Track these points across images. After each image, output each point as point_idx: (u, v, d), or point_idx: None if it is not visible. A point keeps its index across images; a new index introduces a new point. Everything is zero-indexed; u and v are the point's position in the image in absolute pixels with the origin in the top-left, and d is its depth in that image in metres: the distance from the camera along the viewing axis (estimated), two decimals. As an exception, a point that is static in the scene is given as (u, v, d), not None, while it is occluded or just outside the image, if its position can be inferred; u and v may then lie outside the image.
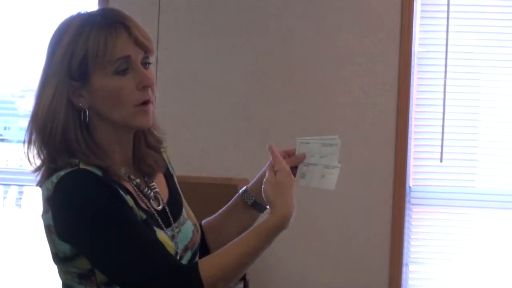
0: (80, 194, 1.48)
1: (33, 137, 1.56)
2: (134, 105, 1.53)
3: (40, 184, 1.55)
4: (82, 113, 1.54)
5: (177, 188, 1.78)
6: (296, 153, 1.73)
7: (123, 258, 1.47)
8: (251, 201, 1.76)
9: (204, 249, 1.79)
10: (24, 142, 1.57)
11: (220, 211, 1.83)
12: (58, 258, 1.55)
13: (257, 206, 1.77)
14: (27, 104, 3.85)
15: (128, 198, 1.53)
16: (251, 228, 1.56)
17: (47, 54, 1.57)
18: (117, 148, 1.59)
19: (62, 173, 1.49)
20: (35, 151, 1.56)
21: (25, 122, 1.59)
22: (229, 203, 1.81)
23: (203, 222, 1.84)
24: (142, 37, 1.53)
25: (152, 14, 3.74)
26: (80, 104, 1.54)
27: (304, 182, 1.71)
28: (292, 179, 1.60)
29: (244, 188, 1.79)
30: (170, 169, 1.80)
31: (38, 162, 1.56)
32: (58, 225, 1.50)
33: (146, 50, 1.55)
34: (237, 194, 1.80)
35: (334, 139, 1.70)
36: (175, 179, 1.80)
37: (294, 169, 1.70)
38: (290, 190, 1.57)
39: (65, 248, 1.51)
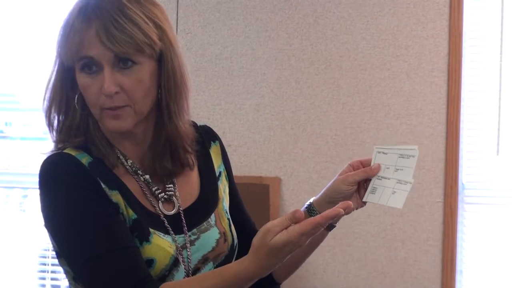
0: (51, 180, 1.50)
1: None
2: (100, 108, 1.52)
3: None
4: (76, 97, 1.56)
5: (215, 191, 1.73)
6: (372, 163, 1.70)
7: (82, 258, 1.46)
8: None
9: None
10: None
11: None
12: (55, 253, 1.57)
13: None
14: (30, 98, 3.79)
15: (114, 193, 1.52)
16: (221, 267, 1.51)
17: None
18: (123, 140, 1.59)
19: (45, 156, 1.54)
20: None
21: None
22: None
23: None
24: (107, 39, 1.47)
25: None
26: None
27: (372, 198, 1.68)
28: (288, 250, 1.39)
29: (309, 201, 1.74)
30: (220, 167, 1.76)
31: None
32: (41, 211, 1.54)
33: (115, 53, 1.49)
34: (302, 208, 1.70)
35: (413, 150, 1.66)
36: (222, 180, 1.75)
37: (367, 181, 1.70)
38: (281, 259, 1.40)
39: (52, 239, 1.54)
